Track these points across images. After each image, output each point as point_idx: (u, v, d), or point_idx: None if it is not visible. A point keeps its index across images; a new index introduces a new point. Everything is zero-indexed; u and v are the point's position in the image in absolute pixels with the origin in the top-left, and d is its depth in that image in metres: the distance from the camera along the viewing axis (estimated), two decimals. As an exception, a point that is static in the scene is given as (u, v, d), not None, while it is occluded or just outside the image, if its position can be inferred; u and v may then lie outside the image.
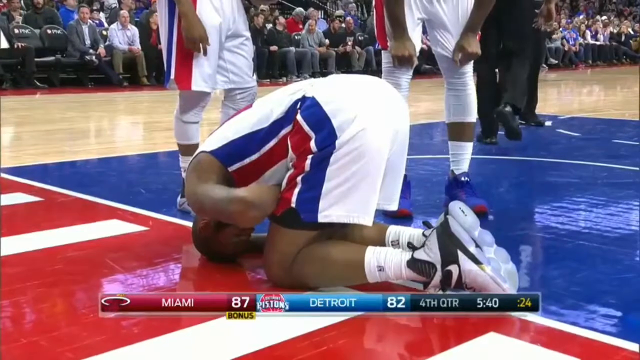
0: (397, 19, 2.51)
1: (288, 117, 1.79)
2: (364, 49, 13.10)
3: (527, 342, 1.51)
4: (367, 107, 1.76)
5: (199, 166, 1.88)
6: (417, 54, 2.58)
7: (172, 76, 2.52)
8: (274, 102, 1.85)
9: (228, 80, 2.62)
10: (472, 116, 2.70)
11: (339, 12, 15.01)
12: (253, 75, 2.68)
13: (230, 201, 1.73)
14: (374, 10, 2.72)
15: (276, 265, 1.79)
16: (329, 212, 1.73)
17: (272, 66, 11.58)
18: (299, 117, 1.76)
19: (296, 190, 1.74)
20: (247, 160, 1.83)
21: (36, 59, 9.69)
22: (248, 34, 2.67)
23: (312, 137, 1.73)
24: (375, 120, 1.74)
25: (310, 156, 1.72)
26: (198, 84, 2.52)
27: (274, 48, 11.47)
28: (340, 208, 1.73)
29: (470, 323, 1.62)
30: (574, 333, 1.55)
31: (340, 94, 1.79)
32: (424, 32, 2.71)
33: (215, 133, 1.95)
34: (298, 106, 1.78)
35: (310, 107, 1.76)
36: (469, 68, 2.68)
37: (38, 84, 9.71)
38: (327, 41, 12.68)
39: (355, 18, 14.91)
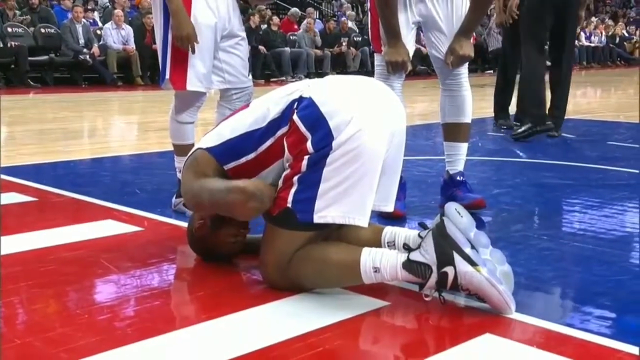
0: (391, 26, 2.52)
1: (284, 117, 1.78)
2: (359, 49, 13.11)
3: (522, 344, 1.50)
4: (364, 108, 1.76)
5: (196, 163, 1.87)
6: (411, 58, 2.58)
7: (167, 76, 2.52)
8: (270, 102, 1.85)
9: (223, 80, 2.62)
10: (467, 117, 2.70)
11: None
12: (249, 75, 2.68)
13: (230, 190, 1.74)
14: (369, 13, 2.72)
15: (272, 266, 1.79)
16: (324, 212, 1.72)
17: (266, 66, 11.55)
18: (295, 117, 1.76)
19: (292, 191, 1.74)
20: (243, 160, 1.83)
21: (29, 58, 9.65)
22: (243, 33, 2.67)
23: (308, 137, 1.72)
24: (371, 121, 1.74)
25: (306, 157, 1.72)
26: (193, 83, 2.52)
27: (262, 48, 11.37)
28: (336, 209, 1.72)
29: (465, 324, 1.63)
30: (569, 334, 1.56)
31: (337, 95, 1.79)
32: (421, 32, 2.71)
33: (212, 131, 1.95)
34: (295, 106, 1.78)
35: (307, 108, 1.76)
36: (464, 70, 2.68)
37: (31, 83, 9.68)
38: (320, 43, 12.65)
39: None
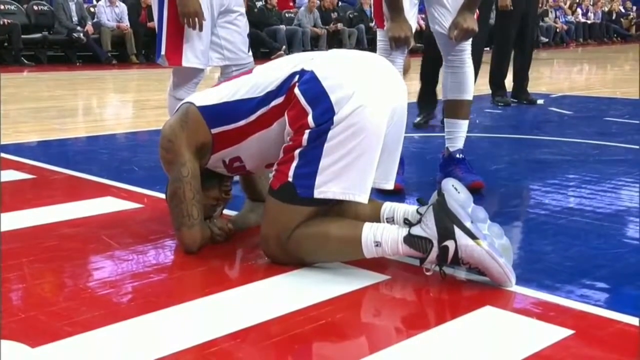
0: (394, 1, 2.50)
1: (282, 88, 1.78)
2: (355, 27, 13.00)
3: (522, 315, 1.52)
4: (366, 84, 1.75)
5: (187, 118, 1.89)
6: (413, 33, 2.57)
7: (163, 52, 2.50)
8: (274, 71, 1.85)
9: (222, 57, 2.60)
10: (468, 94, 2.70)
11: None
12: (248, 51, 2.66)
13: (178, 229, 1.91)
14: None
15: (273, 241, 1.79)
16: (325, 188, 1.73)
17: (263, 44, 11.46)
18: (296, 90, 1.75)
19: (293, 165, 1.74)
20: (231, 126, 1.85)
21: (23, 36, 9.55)
22: (242, 9, 2.64)
23: (309, 112, 1.72)
24: (373, 97, 1.73)
25: (307, 131, 1.71)
26: (189, 59, 2.50)
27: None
28: (336, 185, 1.73)
29: (465, 297, 1.64)
30: (569, 306, 1.57)
31: (339, 70, 1.78)
32: (421, 10, 2.70)
33: (210, 89, 1.96)
34: (296, 79, 1.77)
35: (308, 82, 1.75)
36: (467, 46, 2.67)
37: (25, 61, 9.59)
38: (321, 24, 12.53)
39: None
